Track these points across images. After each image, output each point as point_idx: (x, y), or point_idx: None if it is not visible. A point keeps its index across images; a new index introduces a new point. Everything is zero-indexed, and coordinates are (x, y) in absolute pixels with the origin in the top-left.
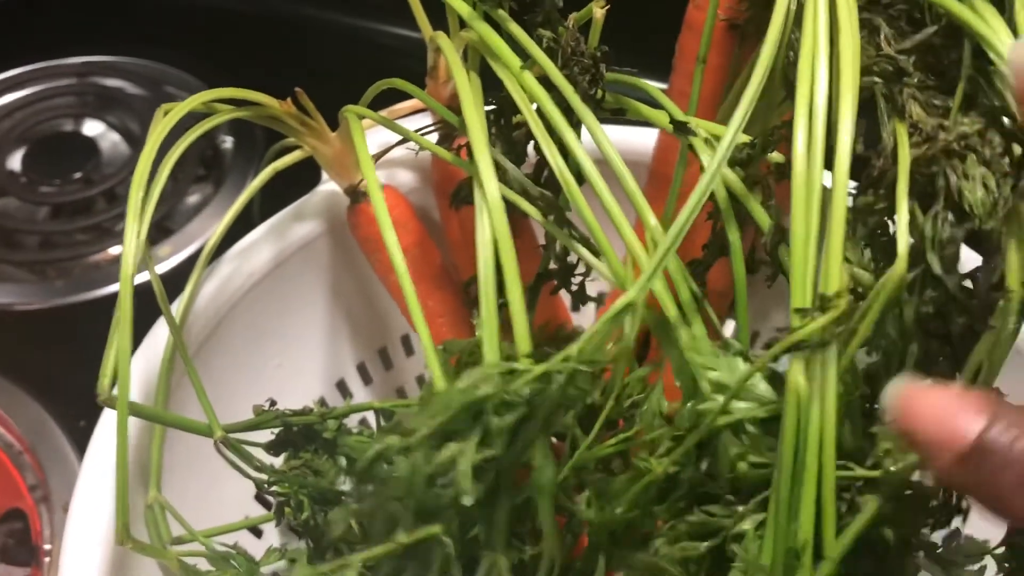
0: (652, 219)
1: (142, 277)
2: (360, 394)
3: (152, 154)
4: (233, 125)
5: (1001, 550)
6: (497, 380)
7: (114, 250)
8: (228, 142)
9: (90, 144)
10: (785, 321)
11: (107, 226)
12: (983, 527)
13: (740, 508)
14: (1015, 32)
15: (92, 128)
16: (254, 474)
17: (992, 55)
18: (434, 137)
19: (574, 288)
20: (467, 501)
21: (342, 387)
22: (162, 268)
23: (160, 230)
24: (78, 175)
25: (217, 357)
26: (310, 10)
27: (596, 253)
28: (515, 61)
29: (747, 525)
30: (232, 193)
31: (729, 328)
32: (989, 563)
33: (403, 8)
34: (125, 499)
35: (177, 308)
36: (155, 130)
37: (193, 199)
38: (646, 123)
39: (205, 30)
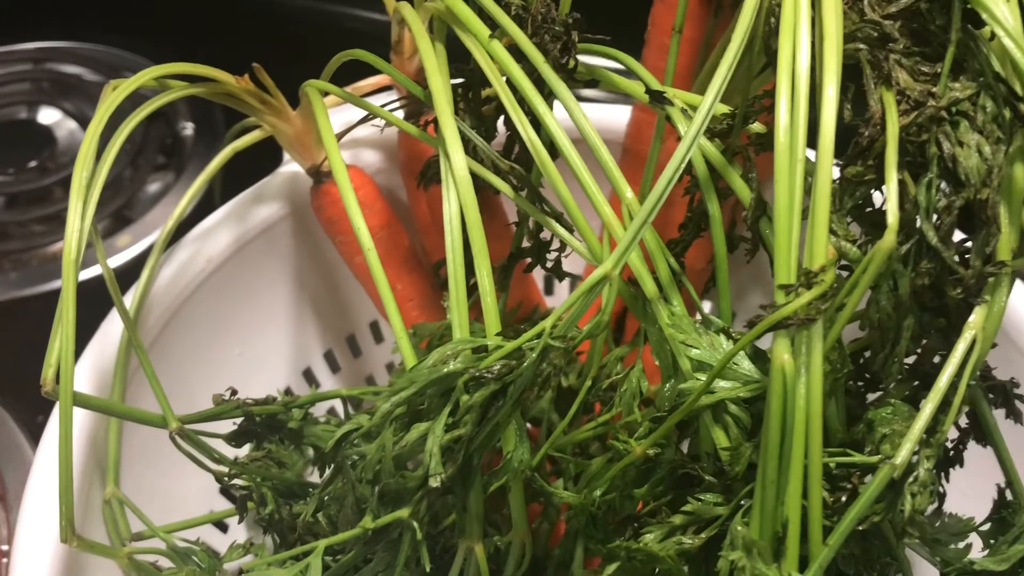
0: (628, 192)
1: (103, 266)
2: (328, 383)
3: (98, 130)
4: (194, 112)
5: (986, 527)
6: (467, 356)
7: None
8: (189, 129)
9: (46, 132)
10: (763, 301)
11: (64, 216)
12: (966, 505)
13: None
14: None
15: (48, 116)
16: (213, 466)
17: (985, 16)
18: (400, 115)
19: (549, 264)
20: (435, 482)
21: (309, 376)
22: (122, 258)
23: (120, 219)
24: (33, 164)
25: (176, 346)
26: None
27: (570, 229)
28: (483, 30)
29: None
30: (193, 181)
31: (706, 311)
32: (974, 540)
33: None
34: (69, 495)
35: (132, 296)
36: (102, 106)
37: (153, 187)
38: (618, 101)
39: (165, 15)
